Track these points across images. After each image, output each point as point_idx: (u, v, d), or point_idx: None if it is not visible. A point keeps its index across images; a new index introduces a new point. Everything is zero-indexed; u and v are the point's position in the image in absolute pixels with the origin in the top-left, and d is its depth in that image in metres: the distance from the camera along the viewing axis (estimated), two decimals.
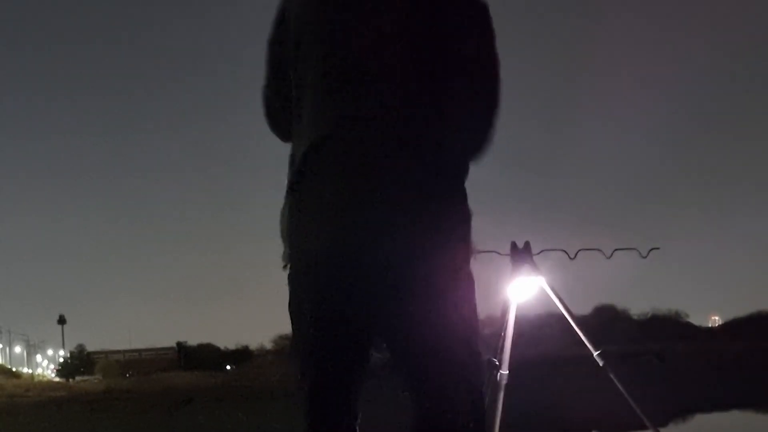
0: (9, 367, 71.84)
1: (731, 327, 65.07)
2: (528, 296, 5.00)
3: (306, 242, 2.87)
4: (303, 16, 2.93)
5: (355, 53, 2.86)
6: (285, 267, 3.00)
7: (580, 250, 5.14)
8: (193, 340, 60.80)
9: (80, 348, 71.48)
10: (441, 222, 2.86)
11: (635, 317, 71.11)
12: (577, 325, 4.95)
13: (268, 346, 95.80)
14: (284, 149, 3.06)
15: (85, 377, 58.18)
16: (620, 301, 69.64)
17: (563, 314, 4.96)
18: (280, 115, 3.08)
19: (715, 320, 76.82)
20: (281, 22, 3.00)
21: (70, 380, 56.07)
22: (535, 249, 4.99)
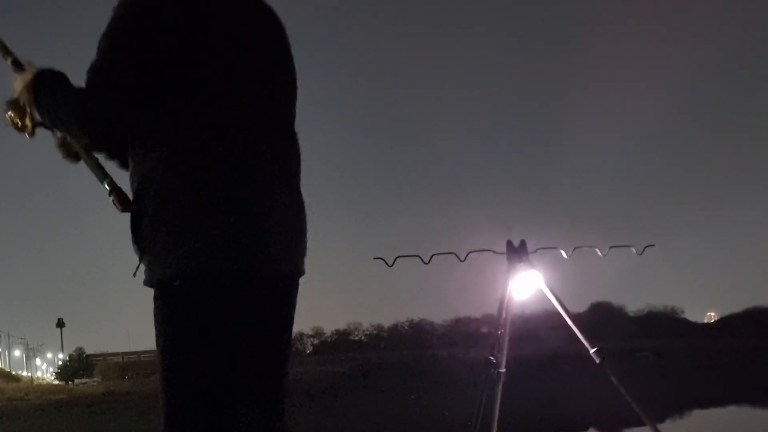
0: (8, 370, 71.72)
1: (727, 323, 65.01)
2: (524, 294, 5.03)
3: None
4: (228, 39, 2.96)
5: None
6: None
7: (575, 248, 5.17)
8: None
9: (79, 351, 71.29)
10: None
11: (631, 314, 70.98)
12: (574, 322, 4.98)
13: None
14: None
15: (85, 380, 58.08)
16: (616, 299, 69.50)
17: (560, 312, 4.99)
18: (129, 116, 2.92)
19: (711, 316, 76.76)
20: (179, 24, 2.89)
21: (70, 383, 55.94)
22: (530, 247, 5.02)
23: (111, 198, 2.97)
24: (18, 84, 3.09)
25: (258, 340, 3.01)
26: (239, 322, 2.92)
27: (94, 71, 2.85)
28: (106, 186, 3.00)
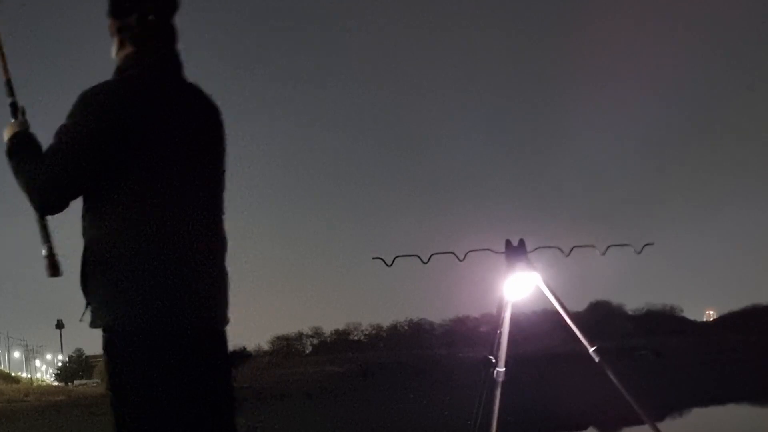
0: (8, 371, 71.77)
1: (726, 321, 65.10)
2: (523, 294, 5.02)
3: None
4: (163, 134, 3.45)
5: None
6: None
7: (574, 247, 5.17)
8: None
9: (79, 352, 71.48)
10: None
11: (630, 313, 71.15)
12: (573, 321, 4.97)
13: (266, 347, 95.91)
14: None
15: (84, 381, 58.25)
16: (615, 297, 69.69)
17: (559, 311, 4.98)
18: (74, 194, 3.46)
19: (710, 314, 76.95)
20: (125, 125, 3.36)
21: (69, 384, 56.06)
22: (529, 246, 5.01)
23: (45, 262, 3.51)
24: (4, 132, 3.62)
25: (183, 386, 3.43)
26: (161, 371, 3.37)
27: (50, 153, 3.42)
28: (44, 250, 3.52)
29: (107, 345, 3.41)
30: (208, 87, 3.68)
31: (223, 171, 3.69)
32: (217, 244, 3.61)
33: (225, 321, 3.62)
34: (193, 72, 3.67)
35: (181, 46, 3.62)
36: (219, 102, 3.72)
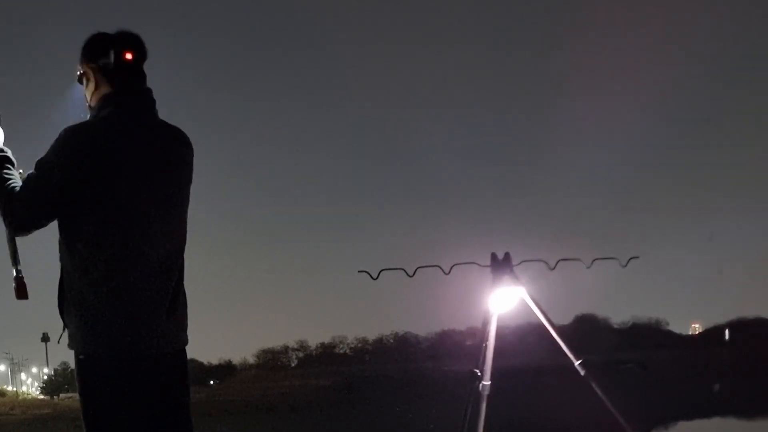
0: None
1: (712, 334, 65.16)
2: (509, 307, 5.02)
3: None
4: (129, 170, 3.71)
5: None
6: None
7: (560, 261, 5.16)
8: None
9: (64, 365, 71.14)
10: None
11: (616, 326, 71.22)
12: (558, 334, 4.97)
13: (251, 360, 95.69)
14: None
15: (70, 394, 57.93)
16: (601, 311, 69.74)
17: (544, 324, 4.98)
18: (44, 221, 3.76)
19: (696, 327, 77.05)
20: (91, 161, 3.64)
21: (55, 398, 55.81)
22: (515, 260, 5.00)
23: (13, 284, 3.85)
24: None
25: (142, 404, 3.79)
26: (123, 391, 3.73)
27: (27, 182, 3.75)
28: (14, 272, 3.85)
29: (78, 367, 3.73)
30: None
31: (185, 207, 3.96)
32: (178, 270, 3.88)
33: (185, 341, 3.97)
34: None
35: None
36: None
